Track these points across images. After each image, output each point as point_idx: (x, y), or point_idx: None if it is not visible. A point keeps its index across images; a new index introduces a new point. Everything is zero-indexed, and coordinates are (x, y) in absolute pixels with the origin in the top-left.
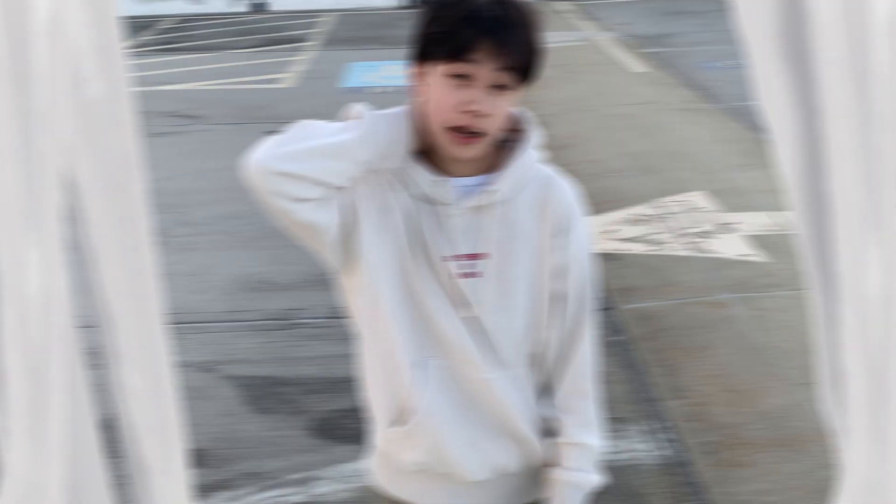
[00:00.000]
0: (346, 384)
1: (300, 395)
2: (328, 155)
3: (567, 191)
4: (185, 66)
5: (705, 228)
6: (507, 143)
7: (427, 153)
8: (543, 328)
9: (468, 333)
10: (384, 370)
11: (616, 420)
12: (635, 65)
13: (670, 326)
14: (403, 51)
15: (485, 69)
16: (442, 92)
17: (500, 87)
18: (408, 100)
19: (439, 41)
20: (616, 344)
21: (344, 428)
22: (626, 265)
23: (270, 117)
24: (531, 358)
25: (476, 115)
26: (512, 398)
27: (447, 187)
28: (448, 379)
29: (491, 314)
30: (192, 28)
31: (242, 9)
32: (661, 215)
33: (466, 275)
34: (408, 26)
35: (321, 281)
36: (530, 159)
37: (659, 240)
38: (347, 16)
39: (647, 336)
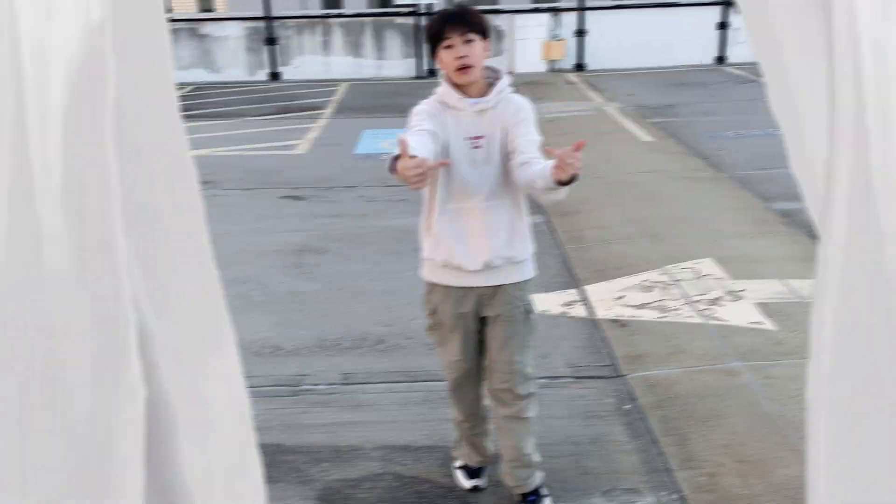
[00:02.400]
0: (352, 453)
1: (306, 464)
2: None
3: (523, 99)
4: (202, 132)
5: (714, 295)
6: (491, 82)
7: (456, 87)
8: (509, 173)
9: (475, 179)
10: (427, 213)
11: (627, 491)
12: (642, 134)
13: (680, 395)
14: None
15: (455, 35)
16: (445, 57)
17: (468, 41)
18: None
19: (435, 36)
20: (625, 413)
21: (350, 498)
22: (634, 332)
23: (283, 183)
24: (507, 181)
25: (461, 58)
26: (496, 218)
27: (464, 101)
28: (454, 213)
29: (485, 167)
30: (210, 95)
31: (260, 77)
32: (669, 282)
33: (475, 147)
34: (420, 95)
35: (329, 346)
36: (504, 88)
37: (668, 307)
38: (362, 85)
39: (657, 405)
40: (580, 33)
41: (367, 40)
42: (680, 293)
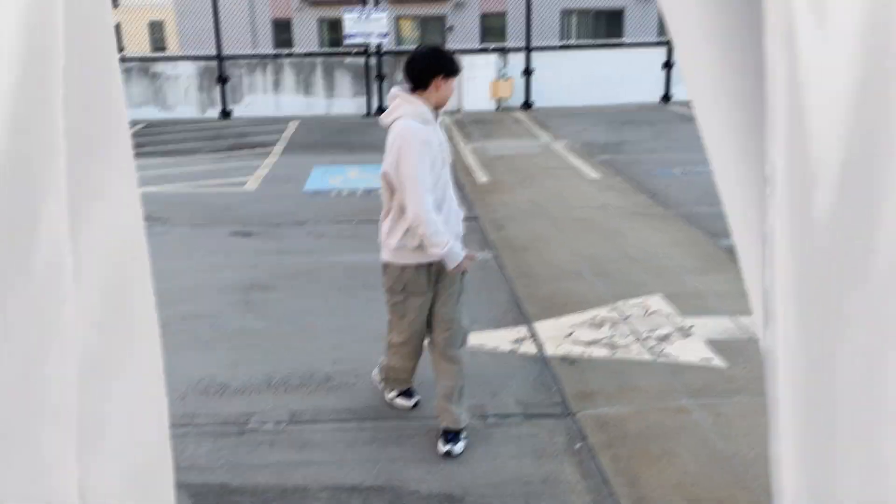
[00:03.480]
0: (299, 493)
1: None
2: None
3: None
4: (153, 169)
5: (664, 332)
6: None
7: (434, 108)
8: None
9: (448, 177)
10: (397, 214)
11: None
12: (589, 171)
13: (631, 433)
14: (365, 155)
15: (449, 77)
16: (445, 87)
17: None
18: (425, 94)
19: (448, 69)
20: (576, 452)
21: None
22: (584, 369)
23: (232, 219)
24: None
25: (445, 99)
26: (459, 213)
27: (435, 119)
28: (451, 206)
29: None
30: (162, 133)
31: (211, 115)
32: (619, 319)
33: (447, 158)
34: (370, 133)
35: (277, 384)
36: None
37: (617, 343)
38: (312, 123)
39: (608, 443)
40: (527, 72)
41: (318, 79)
42: (629, 330)
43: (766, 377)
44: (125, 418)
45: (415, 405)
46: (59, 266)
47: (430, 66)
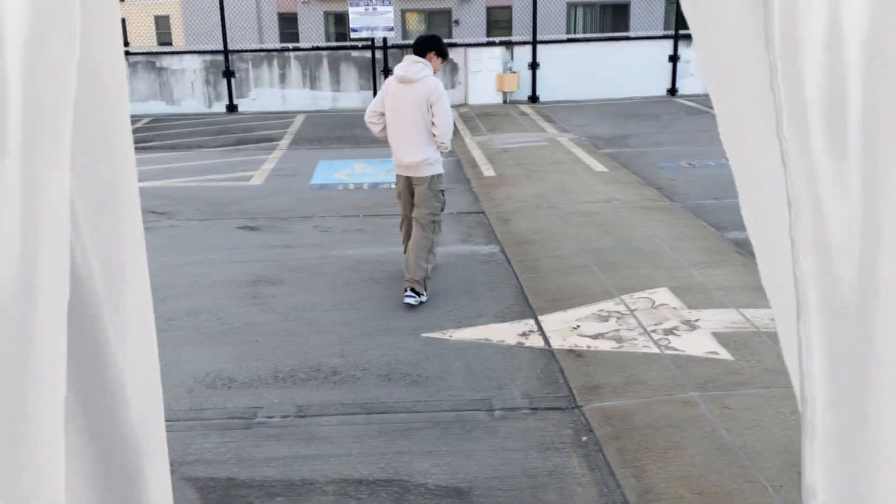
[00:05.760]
0: (306, 487)
1: (259, 499)
2: None
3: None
4: (159, 163)
5: (670, 325)
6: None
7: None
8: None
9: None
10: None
11: None
12: (595, 164)
13: (637, 426)
14: (371, 149)
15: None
16: (434, 61)
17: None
18: (428, 64)
19: (439, 50)
20: (582, 445)
21: None
22: (590, 362)
23: (239, 213)
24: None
25: (436, 69)
26: (415, 138)
27: None
28: (399, 137)
29: None
30: (168, 127)
31: (218, 109)
32: (625, 312)
33: None
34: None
35: (284, 378)
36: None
37: (624, 337)
38: (318, 117)
39: (614, 436)
40: (533, 66)
41: (324, 73)
42: (636, 323)
43: (799, 371)
44: (119, 408)
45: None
46: (60, 260)
47: (429, 42)
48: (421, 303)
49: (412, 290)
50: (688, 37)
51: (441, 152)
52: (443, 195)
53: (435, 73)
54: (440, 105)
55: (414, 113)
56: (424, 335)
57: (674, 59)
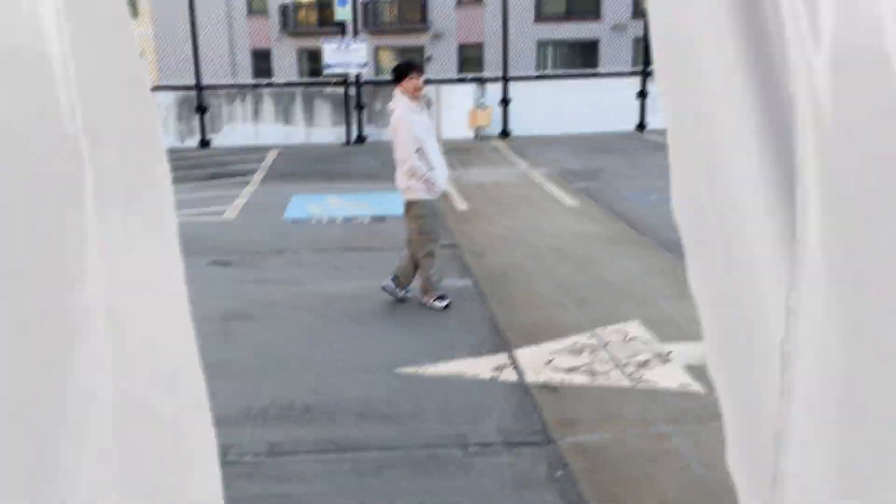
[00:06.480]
0: None
1: None
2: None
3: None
4: None
5: (643, 358)
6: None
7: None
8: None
9: (436, 146)
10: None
11: None
12: (567, 198)
13: (612, 460)
14: (345, 184)
15: (417, 73)
16: (412, 83)
17: (421, 75)
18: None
19: (399, 76)
20: (557, 480)
21: None
22: (564, 397)
23: (211, 249)
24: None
25: (418, 86)
26: (398, 165)
27: (417, 107)
28: (439, 162)
29: (435, 137)
30: None
31: (190, 144)
32: (598, 345)
33: (431, 129)
34: (350, 161)
35: (256, 415)
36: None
37: (597, 370)
38: (292, 151)
39: (589, 471)
40: (505, 102)
41: (298, 108)
42: (609, 356)
43: (785, 382)
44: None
45: (447, 306)
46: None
47: (392, 75)
48: (395, 297)
49: (395, 277)
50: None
51: (423, 181)
52: (425, 222)
53: (416, 92)
54: (397, 136)
55: (394, 141)
56: (399, 371)
57: (642, 94)
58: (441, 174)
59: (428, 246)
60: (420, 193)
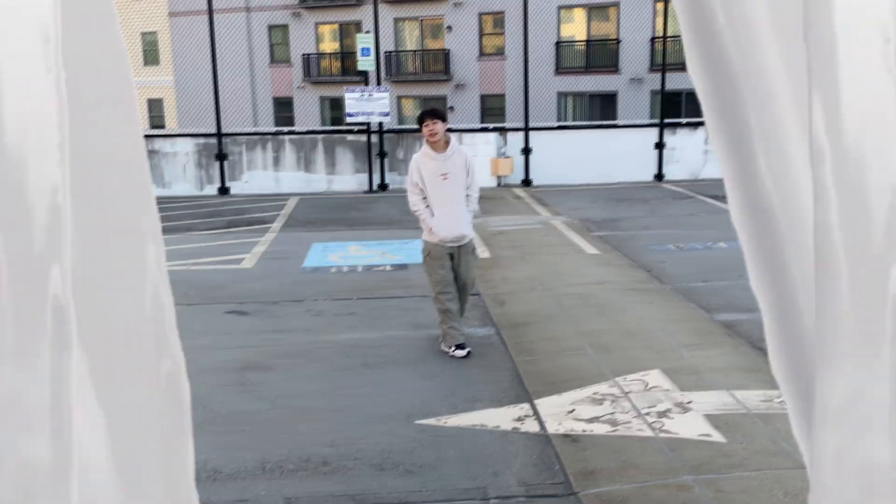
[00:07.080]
0: None
1: None
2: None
3: (466, 151)
4: None
5: (663, 407)
6: (448, 142)
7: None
8: (466, 191)
9: (448, 196)
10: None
11: None
12: (587, 247)
13: None
14: (366, 231)
15: (430, 121)
16: (425, 129)
17: (434, 123)
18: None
19: (420, 120)
20: None
21: None
22: (585, 447)
23: (228, 297)
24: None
25: (432, 133)
26: (461, 210)
27: (437, 154)
28: (444, 211)
29: (452, 189)
30: (158, 210)
31: (209, 192)
32: (619, 394)
33: (444, 179)
34: (371, 209)
35: (272, 469)
36: (455, 145)
37: (618, 420)
38: (312, 199)
39: None
40: (526, 151)
41: (319, 156)
42: (630, 406)
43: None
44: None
45: (467, 355)
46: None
47: (419, 116)
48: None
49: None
50: (673, 125)
51: (421, 223)
52: (426, 263)
53: (430, 137)
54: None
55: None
56: (418, 422)
57: (660, 146)
58: (441, 224)
59: (434, 290)
60: (424, 234)
